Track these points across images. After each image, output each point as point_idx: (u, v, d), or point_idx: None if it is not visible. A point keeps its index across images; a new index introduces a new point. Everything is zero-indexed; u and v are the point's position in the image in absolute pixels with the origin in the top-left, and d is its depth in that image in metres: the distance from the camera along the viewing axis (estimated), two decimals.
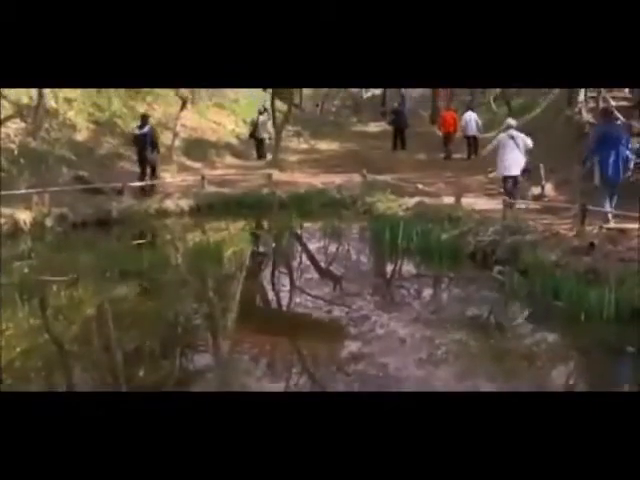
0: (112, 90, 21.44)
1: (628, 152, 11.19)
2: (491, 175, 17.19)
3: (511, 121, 14.36)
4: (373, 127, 33.07)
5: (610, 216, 10.87)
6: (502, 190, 14.11)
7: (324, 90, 42.23)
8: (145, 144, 17.03)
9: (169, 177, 18.45)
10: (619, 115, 12.90)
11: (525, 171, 14.00)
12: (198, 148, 21.36)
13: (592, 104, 17.53)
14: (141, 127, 17.31)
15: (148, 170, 17.20)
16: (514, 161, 13.57)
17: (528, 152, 13.72)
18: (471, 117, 22.53)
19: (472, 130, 22.18)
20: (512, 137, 13.60)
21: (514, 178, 13.76)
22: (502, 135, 14.03)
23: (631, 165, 11.37)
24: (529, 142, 13.57)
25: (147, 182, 16.86)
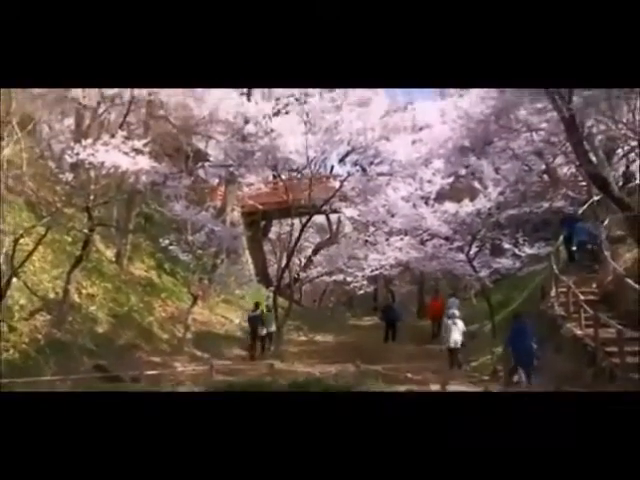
0: (130, 287, 22.08)
1: (534, 345, 14.07)
2: (474, 364, 17.71)
3: (456, 311, 19.21)
4: (366, 321, 33.49)
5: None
6: (449, 361, 18.43)
7: (322, 287, 43.08)
8: (257, 323, 21.57)
9: (180, 366, 18.64)
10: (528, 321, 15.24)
11: (463, 345, 18.58)
12: (207, 340, 21.66)
13: (563, 298, 18.01)
14: (254, 311, 22.16)
15: (258, 344, 21.90)
16: (456, 338, 18.25)
17: (463, 332, 18.58)
18: (454, 302, 23.42)
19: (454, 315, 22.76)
20: (455, 323, 18.48)
21: (456, 349, 18.30)
22: (447, 321, 18.81)
23: (535, 356, 14.13)
24: (463, 326, 18.70)
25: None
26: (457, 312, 19.32)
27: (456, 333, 18.44)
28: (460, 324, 18.73)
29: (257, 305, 22.61)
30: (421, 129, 27.51)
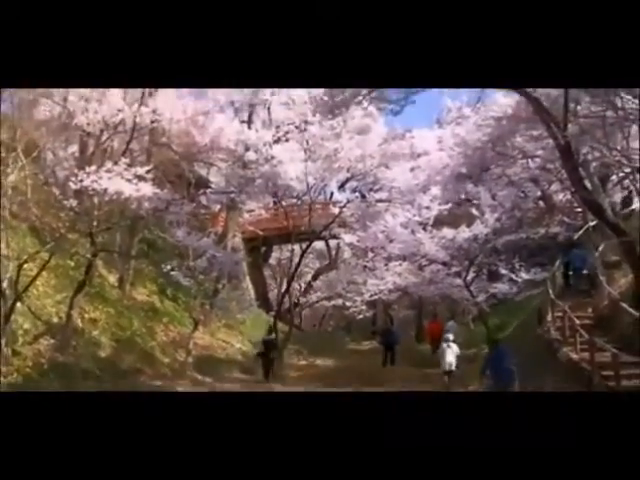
0: (133, 312, 22.07)
1: (512, 368, 14.08)
2: (472, 388, 17.64)
3: (450, 336, 19.53)
4: (365, 345, 33.47)
5: None
6: (445, 384, 18.51)
7: (321, 311, 43.09)
8: (270, 346, 21.56)
9: (182, 390, 18.58)
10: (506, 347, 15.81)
11: (457, 367, 18.92)
12: (209, 364, 21.62)
13: (559, 323, 18.04)
14: (269, 335, 22.48)
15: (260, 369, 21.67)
16: (451, 361, 18.59)
17: (457, 356, 18.78)
18: (452, 326, 23.74)
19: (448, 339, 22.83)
20: (449, 346, 18.79)
21: (451, 372, 18.61)
22: (444, 345, 19.10)
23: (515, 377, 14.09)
24: (458, 350, 18.94)
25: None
26: (451, 336, 19.64)
27: (450, 356, 18.74)
28: (454, 347, 19.01)
29: (271, 329, 22.94)
30: (419, 156, 27.69)
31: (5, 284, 15.47)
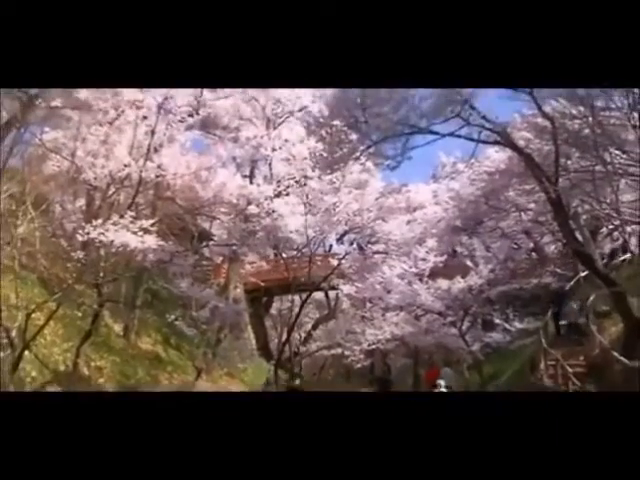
0: (137, 361, 22.04)
1: None
2: None
3: (441, 382, 18.88)
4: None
5: None
6: None
7: (321, 360, 42.84)
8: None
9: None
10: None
11: None
12: None
13: (552, 371, 18.02)
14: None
15: None
16: None
17: None
18: (447, 373, 23.66)
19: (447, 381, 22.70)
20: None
21: None
22: (435, 391, 18.39)
23: None
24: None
25: None
26: (442, 382, 19.37)
27: None
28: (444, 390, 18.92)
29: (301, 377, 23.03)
30: (415, 210, 27.99)
31: (14, 333, 15.48)
